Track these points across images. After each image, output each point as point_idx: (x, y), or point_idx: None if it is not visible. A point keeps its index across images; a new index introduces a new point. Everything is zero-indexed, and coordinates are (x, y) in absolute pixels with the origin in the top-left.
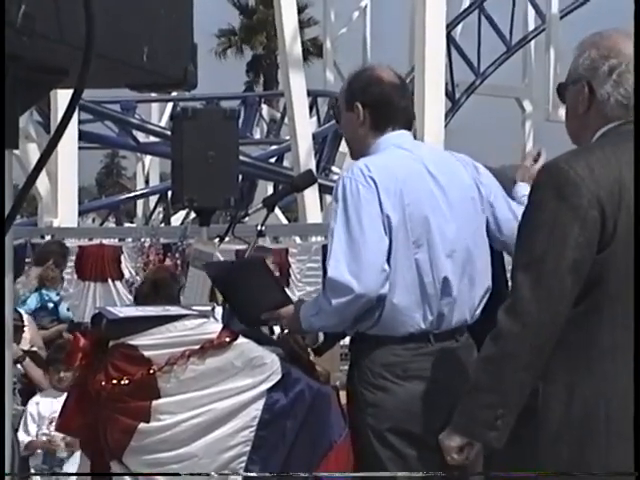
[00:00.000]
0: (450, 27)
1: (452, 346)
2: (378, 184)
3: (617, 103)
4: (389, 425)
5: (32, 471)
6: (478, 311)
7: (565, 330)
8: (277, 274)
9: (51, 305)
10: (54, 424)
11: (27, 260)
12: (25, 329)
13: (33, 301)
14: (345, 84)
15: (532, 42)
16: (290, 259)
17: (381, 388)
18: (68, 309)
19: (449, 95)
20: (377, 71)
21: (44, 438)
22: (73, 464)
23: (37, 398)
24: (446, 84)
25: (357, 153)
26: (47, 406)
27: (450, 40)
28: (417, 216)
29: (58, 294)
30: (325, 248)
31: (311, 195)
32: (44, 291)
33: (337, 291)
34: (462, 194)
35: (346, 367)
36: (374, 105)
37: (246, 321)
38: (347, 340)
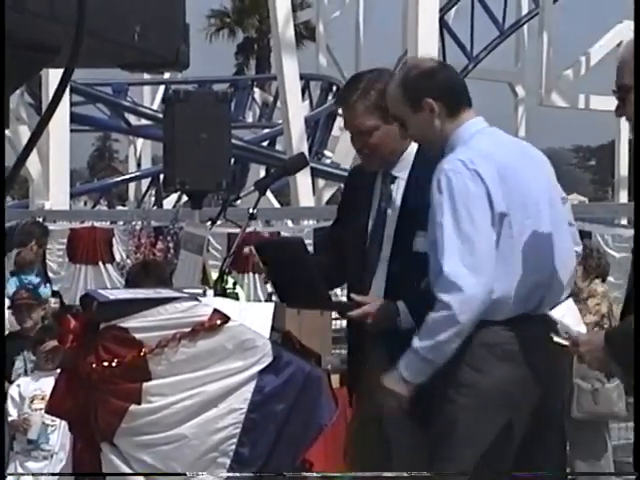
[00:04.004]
0: (443, 11)
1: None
2: (483, 176)
3: None
4: (482, 406)
5: (30, 471)
6: (563, 297)
7: None
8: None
9: (30, 287)
10: (36, 402)
11: None
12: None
13: (12, 286)
14: (395, 91)
15: (525, 26)
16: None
17: (478, 368)
18: (47, 285)
19: None
20: (426, 62)
21: (21, 417)
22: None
23: (19, 380)
24: None
25: (436, 148)
26: (29, 386)
27: (443, 24)
28: (519, 202)
29: (37, 275)
30: (317, 231)
31: (303, 179)
32: (22, 276)
33: (452, 287)
34: (542, 176)
35: (338, 351)
36: (444, 93)
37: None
38: (339, 324)
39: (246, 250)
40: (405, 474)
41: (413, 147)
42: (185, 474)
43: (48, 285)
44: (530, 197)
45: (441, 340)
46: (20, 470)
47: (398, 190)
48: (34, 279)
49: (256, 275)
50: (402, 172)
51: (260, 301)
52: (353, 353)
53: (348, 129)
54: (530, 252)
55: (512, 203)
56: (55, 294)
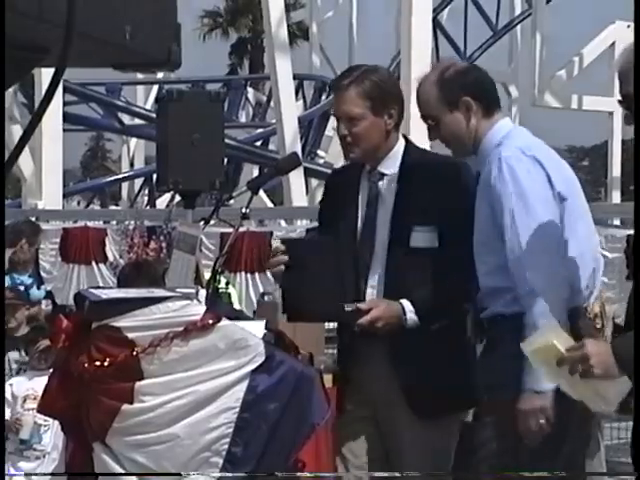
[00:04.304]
0: (437, 11)
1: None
2: (542, 162)
3: None
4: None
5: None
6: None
7: None
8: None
9: (22, 288)
10: (28, 402)
11: None
12: None
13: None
14: (430, 90)
15: (518, 27)
16: (273, 242)
17: None
18: (40, 287)
19: None
20: (459, 62)
21: (13, 417)
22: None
23: (11, 380)
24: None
25: (467, 148)
26: (21, 385)
27: (436, 24)
28: (571, 189)
29: (31, 276)
30: (309, 231)
31: (296, 179)
32: (15, 275)
33: (537, 274)
34: None
35: (331, 351)
36: (480, 93)
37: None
38: (331, 324)
39: (274, 244)
40: (403, 474)
41: (400, 146)
42: (179, 474)
43: (42, 287)
44: (575, 186)
45: None
46: (12, 470)
47: (388, 187)
48: (26, 279)
49: (248, 274)
50: (390, 169)
51: (252, 300)
52: (345, 354)
53: (336, 114)
54: (583, 239)
55: (568, 188)
56: (48, 295)
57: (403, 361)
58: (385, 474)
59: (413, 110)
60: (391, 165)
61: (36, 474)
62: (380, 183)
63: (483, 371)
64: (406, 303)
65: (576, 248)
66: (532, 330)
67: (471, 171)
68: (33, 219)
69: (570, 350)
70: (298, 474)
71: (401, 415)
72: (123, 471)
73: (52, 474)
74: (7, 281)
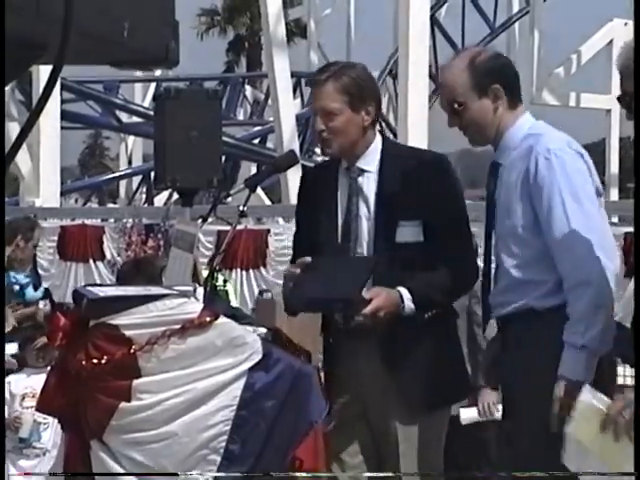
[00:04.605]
0: (434, 9)
1: None
2: (584, 156)
3: None
4: None
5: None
6: None
7: None
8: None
9: (17, 288)
10: (27, 400)
11: None
12: None
13: None
14: (459, 75)
15: (516, 24)
16: (269, 239)
17: None
18: (38, 288)
19: (433, 77)
20: (489, 50)
21: (12, 416)
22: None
23: (9, 378)
24: (430, 66)
25: (487, 137)
26: (19, 383)
27: (434, 22)
28: (598, 185)
29: (28, 276)
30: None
31: (294, 176)
32: (12, 273)
33: (591, 268)
34: None
35: None
36: (509, 83)
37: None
38: None
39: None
40: (402, 474)
41: (377, 142)
42: (176, 474)
43: (40, 288)
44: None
45: (600, 327)
46: (12, 468)
47: (368, 183)
48: (22, 279)
49: (243, 271)
50: (369, 165)
51: (246, 297)
52: (330, 353)
53: (314, 109)
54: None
55: (599, 184)
56: (46, 294)
57: (391, 355)
58: (384, 474)
59: (411, 110)
60: (370, 161)
61: (36, 474)
62: (360, 179)
63: (511, 365)
64: (404, 291)
65: (611, 242)
66: (580, 322)
67: (450, 163)
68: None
69: (611, 407)
70: (294, 474)
71: (393, 410)
72: (121, 469)
73: (52, 474)
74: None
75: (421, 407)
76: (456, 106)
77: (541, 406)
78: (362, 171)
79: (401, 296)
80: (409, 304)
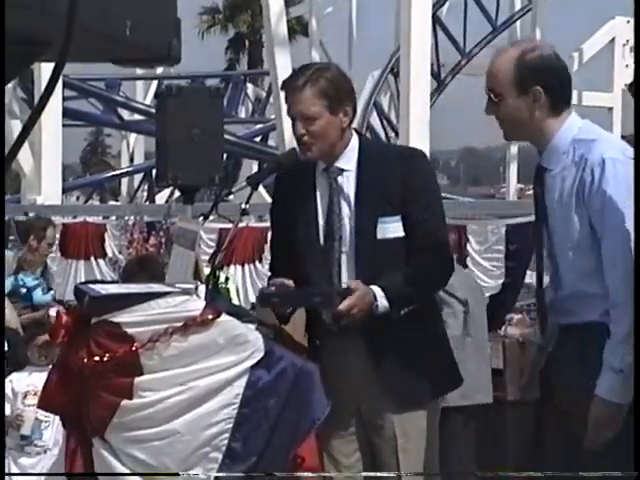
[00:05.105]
0: (436, 7)
1: None
2: (635, 163)
3: None
4: None
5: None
6: None
7: None
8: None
9: (24, 290)
10: (29, 398)
11: (11, 238)
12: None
13: (7, 286)
14: (506, 66)
15: (518, 22)
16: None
17: None
18: (48, 291)
19: (435, 75)
20: (545, 49)
21: (14, 413)
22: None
23: (11, 376)
24: (432, 64)
25: (524, 137)
26: (21, 381)
27: (436, 20)
28: None
29: (37, 278)
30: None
31: None
32: (20, 275)
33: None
34: None
35: None
36: (554, 87)
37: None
38: None
39: None
40: (400, 474)
41: (354, 141)
42: (177, 474)
43: (50, 292)
44: None
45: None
46: (13, 465)
47: (348, 182)
48: (30, 281)
49: (245, 267)
50: (348, 165)
51: (247, 293)
52: (318, 354)
53: (291, 114)
54: None
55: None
56: (54, 298)
57: (379, 351)
58: (381, 474)
59: (412, 109)
60: (349, 160)
61: (37, 474)
62: (340, 179)
63: (570, 379)
64: (377, 289)
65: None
66: (620, 345)
67: (427, 157)
68: (32, 214)
69: None
70: (297, 474)
71: (386, 406)
72: (122, 466)
73: (52, 474)
74: (11, 281)
75: (412, 401)
76: (492, 96)
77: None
78: (341, 171)
79: (374, 295)
80: (382, 302)
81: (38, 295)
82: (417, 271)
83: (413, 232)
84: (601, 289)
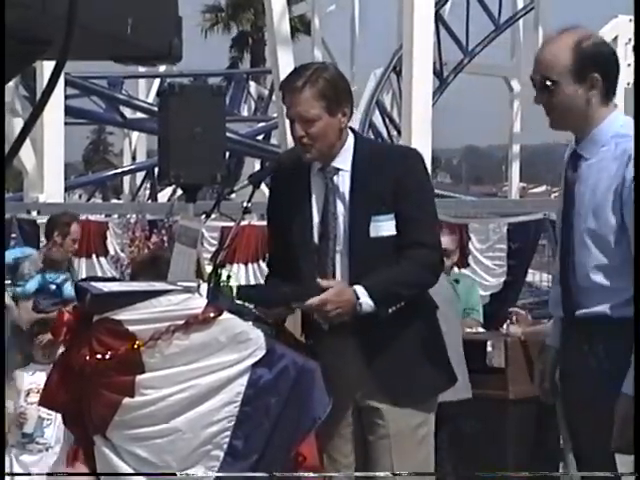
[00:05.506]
0: (439, 5)
1: None
2: None
3: None
4: None
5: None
6: None
7: None
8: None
9: (53, 287)
10: (32, 395)
11: (12, 235)
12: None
13: (34, 284)
14: (562, 53)
15: (521, 21)
16: None
17: None
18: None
19: (437, 74)
20: (598, 37)
21: (17, 411)
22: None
23: (15, 374)
24: (434, 63)
25: (573, 125)
26: (24, 379)
27: (438, 18)
28: None
29: (64, 273)
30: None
31: None
32: (47, 272)
33: None
34: None
35: None
36: (609, 75)
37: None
38: None
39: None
40: (399, 474)
41: (350, 140)
42: (174, 474)
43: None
44: None
45: None
46: (15, 463)
47: (343, 181)
48: (57, 278)
49: (247, 265)
50: (344, 164)
51: None
52: (314, 354)
53: (290, 116)
54: None
55: None
56: None
57: (371, 349)
58: (378, 474)
59: (415, 107)
60: (345, 160)
61: (38, 474)
62: (335, 178)
63: (583, 372)
64: (359, 288)
65: None
66: None
67: (421, 156)
68: (35, 213)
69: None
70: (297, 474)
71: (381, 405)
72: (124, 464)
73: (52, 474)
74: (38, 279)
75: (408, 400)
76: (549, 83)
77: (603, 420)
78: (337, 170)
79: (356, 293)
80: (366, 300)
81: (68, 290)
82: (405, 269)
83: (404, 230)
84: (621, 282)
